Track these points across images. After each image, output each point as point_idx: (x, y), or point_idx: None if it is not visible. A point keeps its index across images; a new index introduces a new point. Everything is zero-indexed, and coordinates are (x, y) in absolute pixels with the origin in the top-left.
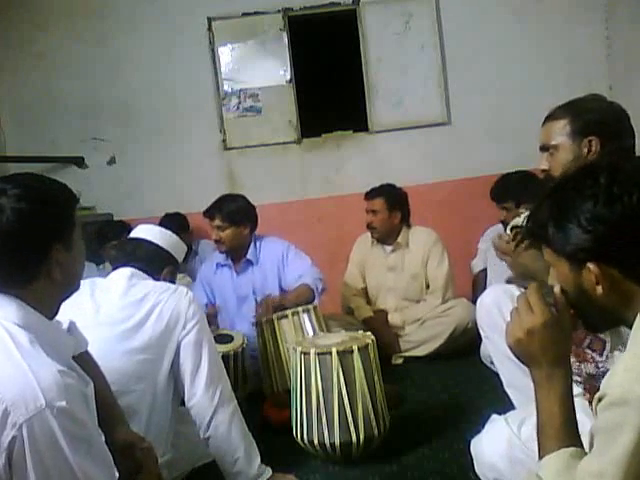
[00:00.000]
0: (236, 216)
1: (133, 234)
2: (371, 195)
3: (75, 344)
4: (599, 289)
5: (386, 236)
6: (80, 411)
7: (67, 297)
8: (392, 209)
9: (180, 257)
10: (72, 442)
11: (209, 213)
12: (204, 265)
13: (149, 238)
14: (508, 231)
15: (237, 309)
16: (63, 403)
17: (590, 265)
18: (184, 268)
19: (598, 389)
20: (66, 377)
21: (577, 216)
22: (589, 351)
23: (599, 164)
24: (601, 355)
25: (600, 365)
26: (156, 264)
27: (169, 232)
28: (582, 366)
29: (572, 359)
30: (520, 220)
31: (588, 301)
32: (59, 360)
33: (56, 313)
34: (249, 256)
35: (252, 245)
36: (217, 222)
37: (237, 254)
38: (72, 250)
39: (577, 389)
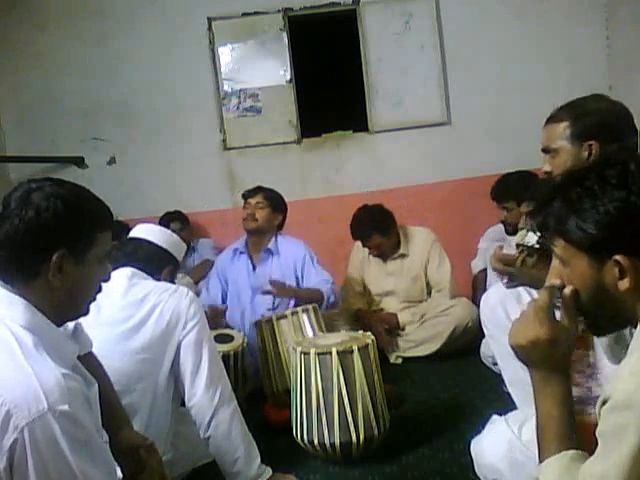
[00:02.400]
0: (276, 201)
1: (133, 234)
2: (364, 234)
3: (79, 346)
4: (623, 283)
5: (390, 252)
6: (82, 414)
7: (71, 318)
8: (389, 233)
9: (180, 256)
10: (73, 445)
11: (250, 192)
12: (221, 256)
13: (149, 238)
14: (514, 244)
15: (250, 301)
16: (65, 407)
17: (618, 257)
18: (183, 265)
19: (584, 413)
20: (69, 380)
21: (605, 205)
22: (576, 375)
23: (620, 155)
24: (591, 378)
25: (593, 389)
26: (156, 264)
27: (169, 232)
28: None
29: None
30: (527, 239)
31: (605, 299)
32: (63, 363)
33: (58, 326)
34: (270, 246)
35: (274, 238)
36: (258, 199)
37: (258, 241)
38: (83, 267)
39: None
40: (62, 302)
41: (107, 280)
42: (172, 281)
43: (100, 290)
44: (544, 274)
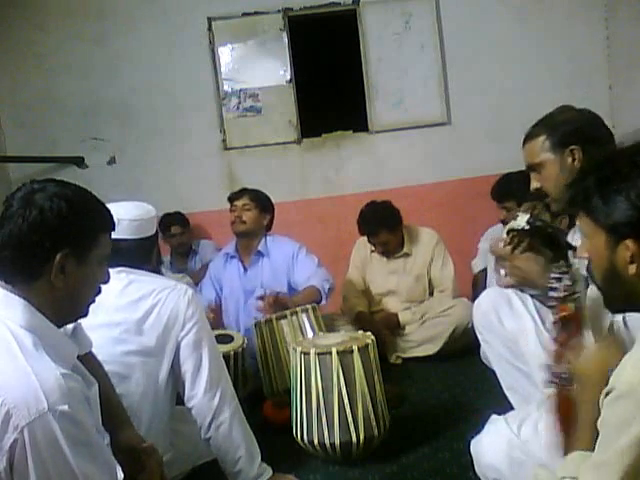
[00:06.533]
0: (263, 202)
1: None
2: (372, 230)
3: (79, 346)
4: (631, 268)
5: (394, 250)
6: (82, 414)
7: (71, 320)
8: (396, 230)
9: (155, 227)
10: (74, 445)
11: (236, 194)
12: (214, 261)
13: (124, 237)
14: (504, 234)
15: (243, 303)
16: (65, 407)
17: (628, 242)
18: (184, 267)
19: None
20: (69, 380)
21: (627, 190)
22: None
23: None
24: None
25: None
26: (143, 256)
27: (136, 218)
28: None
29: (549, 361)
30: (517, 223)
31: (616, 280)
32: (62, 363)
33: (58, 327)
34: (260, 248)
35: (263, 240)
36: (244, 201)
37: (248, 244)
38: (85, 267)
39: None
40: (63, 303)
41: (107, 282)
42: (159, 259)
43: (100, 292)
44: (533, 265)
